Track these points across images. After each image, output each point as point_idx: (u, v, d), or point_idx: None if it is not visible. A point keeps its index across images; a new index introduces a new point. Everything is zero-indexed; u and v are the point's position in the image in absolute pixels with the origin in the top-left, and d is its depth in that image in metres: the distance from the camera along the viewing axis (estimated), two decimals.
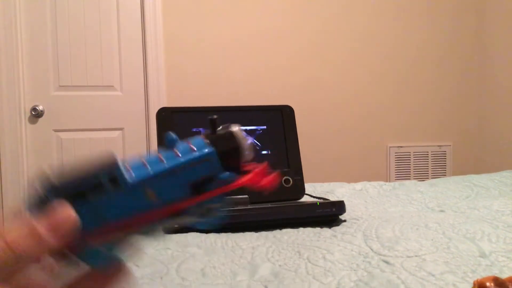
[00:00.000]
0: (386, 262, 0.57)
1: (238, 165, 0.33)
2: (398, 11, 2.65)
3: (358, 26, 2.60)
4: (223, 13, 2.42)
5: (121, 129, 2.33)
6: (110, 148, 2.32)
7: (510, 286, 0.44)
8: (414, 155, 2.70)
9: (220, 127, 0.34)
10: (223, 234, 0.75)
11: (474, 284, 0.46)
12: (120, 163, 0.29)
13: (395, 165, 2.67)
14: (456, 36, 2.74)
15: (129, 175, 0.29)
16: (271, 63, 2.49)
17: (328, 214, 0.83)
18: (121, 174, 0.28)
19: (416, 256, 0.59)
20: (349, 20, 2.59)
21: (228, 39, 2.43)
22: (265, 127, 1.06)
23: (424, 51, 2.70)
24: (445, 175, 2.72)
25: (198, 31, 2.39)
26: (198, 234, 0.75)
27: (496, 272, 0.54)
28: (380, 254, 0.60)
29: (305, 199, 1.10)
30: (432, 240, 0.66)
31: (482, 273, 0.54)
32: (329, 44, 2.57)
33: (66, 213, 0.26)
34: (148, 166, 0.30)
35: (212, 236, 0.74)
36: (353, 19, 2.59)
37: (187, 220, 0.31)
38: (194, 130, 1.01)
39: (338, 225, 0.82)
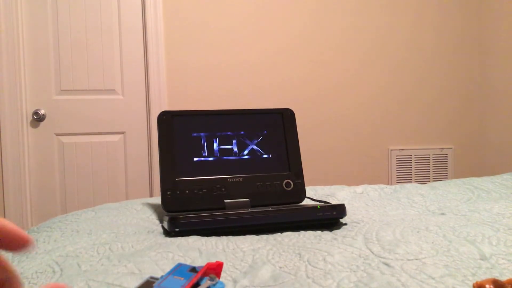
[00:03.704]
0: (386, 265, 0.57)
1: None
2: (400, 15, 2.66)
3: (360, 31, 2.61)
4: (223, 17, 2.43)
5: (122, 132, 2.34)
6: (112, 151, 2.32)
7: None
8: (415, 158, 2.69)
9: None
10: (224, 237, 0.76)
11: (473, 286, 0.46)
12: None
13: (397, 168, 2.67)
14: (457, 39, 2.74)
15: None
16: (273, 66, 2.50)
17: (329, 217, 0.83)
18: None
19: (416, 259, 0.59)
20: (352, 23, 2.60)
21: (229, 43, 2.44)
22: (265, 131, 1.06)
23: (425, 54, 2.70)
24: (446, 178, 2.72)
25: (199, 35, 2.40)
26: (199, 237, 0.76)
27: (496, 275, 0.54)
28: (380, 257, 0.60)
29: (306, 202, 1.10)
30: (432, 243, 0.66)
31: (482, 276, 0.54)
32: (332, 47, 2.57)
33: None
34: None
35: (214, 239, 0.74)
36: (356, 23, 2.60)
37: None
38: (194, 135, 1.01)
39: (338, 228, 0.82)
